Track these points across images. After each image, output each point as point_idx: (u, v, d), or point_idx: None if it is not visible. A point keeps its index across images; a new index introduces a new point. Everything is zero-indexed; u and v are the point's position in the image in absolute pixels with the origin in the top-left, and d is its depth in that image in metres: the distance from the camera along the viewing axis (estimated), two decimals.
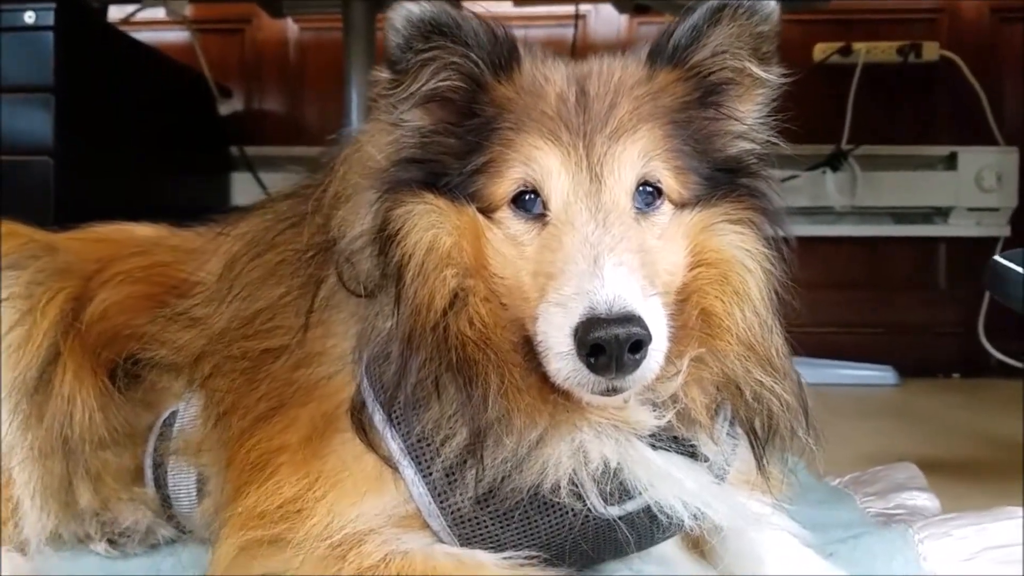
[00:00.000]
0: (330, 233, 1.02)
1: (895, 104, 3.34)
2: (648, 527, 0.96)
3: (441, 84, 0.96)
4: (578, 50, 3.27)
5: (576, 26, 3.35)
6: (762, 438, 0.95)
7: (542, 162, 0.92)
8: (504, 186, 0.93)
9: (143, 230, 1.36)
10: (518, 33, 1.00)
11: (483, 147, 0.94)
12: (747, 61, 1.01)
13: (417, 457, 0.93)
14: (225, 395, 1.05)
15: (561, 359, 0.83)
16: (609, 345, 0.80)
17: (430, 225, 0.94)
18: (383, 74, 0.96)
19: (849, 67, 3.30)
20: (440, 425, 0.90)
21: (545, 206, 0.93)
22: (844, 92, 3.28)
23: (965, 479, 1.86)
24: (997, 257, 1.50)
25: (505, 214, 0.94)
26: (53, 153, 2.30)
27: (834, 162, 3.21)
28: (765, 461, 0.96)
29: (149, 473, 1.16)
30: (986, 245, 3.29)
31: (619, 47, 1.07)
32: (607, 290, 0.82)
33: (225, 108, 3.38)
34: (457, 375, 0.89)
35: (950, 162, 3.29)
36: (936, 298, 3.37)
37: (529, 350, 0.89)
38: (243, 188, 3.32)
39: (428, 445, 0.92)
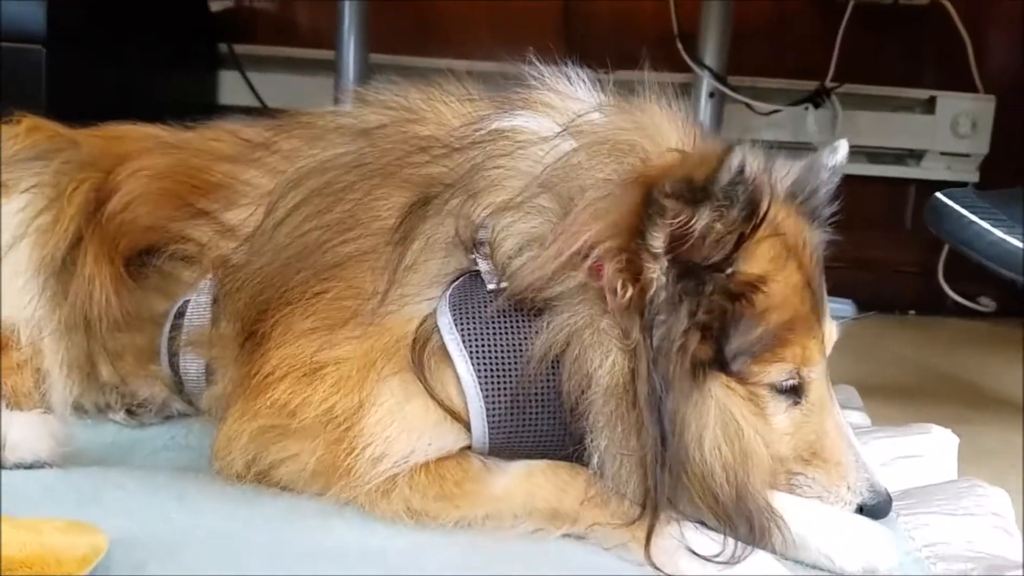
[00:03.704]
0: (471, 225, 1.03)
1: (881, 45, 3.40)
2: None
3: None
4: None
5: None
6: None
7: (811, 360, 1.02)
8: (773, 375, 1.00)
9: (159, 131, 1.43)
10: None
11: (749, 326, 0.98)
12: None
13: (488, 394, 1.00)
14: (253, 311, 1.10)
15: None
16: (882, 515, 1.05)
17: (728, 421, 0.98)
18: (671, 201, 0.92)
19: (841, 4, 3.34)
20: None
21: (800, 392, 1.04)
22: (834, 28, 3.33)
23: (900, 403, 2.03)
24: (938, 194, 1.60)
25: (763, 392, 1.01)
26: (45, 42, 2.31)
27: (817, 99, 3.28)
28: None
29: (164, 356, 1.27)
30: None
31: None
32: (876, 479, 1.05)
33: (217, 4, 3.35)
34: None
35: (928, 106, 3.37)
36: (901, 238, 3.51)
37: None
38: (231, 88, 3.33)
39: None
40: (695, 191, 0.91)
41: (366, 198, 1.10)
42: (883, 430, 1.39)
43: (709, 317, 0.97)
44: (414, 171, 1.11)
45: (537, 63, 1.15)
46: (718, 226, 0.94)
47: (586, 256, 0.98)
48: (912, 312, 3.50)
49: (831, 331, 1.08)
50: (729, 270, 0.97)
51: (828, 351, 1.09)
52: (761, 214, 0.95)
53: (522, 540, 0.98)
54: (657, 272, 0.96)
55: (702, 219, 0.93)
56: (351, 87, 3.04)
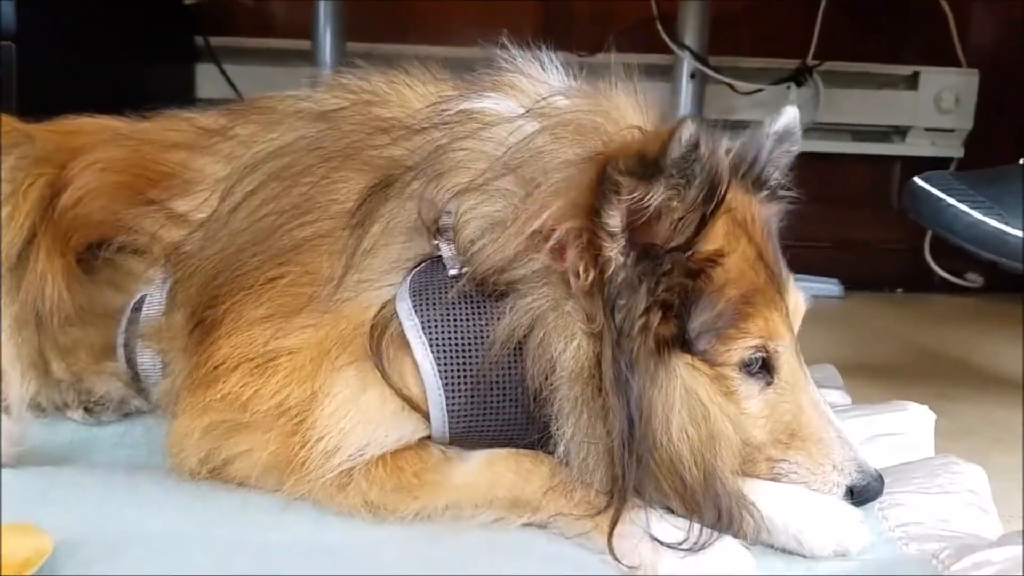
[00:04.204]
0: (434, 208, 1.00)
1: (863, 21, 3.37)
2: None
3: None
4: None
5: None
6: None
7: (776, 333, 1.00)
8: (739, 352, 0.98)
9: (116, 122, 1.40)
10: None
11: (709, 302, 0.96)
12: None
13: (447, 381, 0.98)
14: (205, 297, 1.07)
15: None
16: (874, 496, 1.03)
17: (695, 403, 0.95)
18: (625, 177, 0.90)
19: None
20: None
21: (771, 371, 1.01)
22: (814, 5, 3.29)
23: (883, 381, 2.01)
24: (916, 178, 1.58)
25: (733, 374, 0.98)
26: (15, 38, 2.28)
27: (799, 77, 3.25)
28: None
29: (121, 351, 1.24)
30: (940, 165, 3.38)
31: None
32: (861, 456, 1.03)
33: None
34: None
35: (911, 82, 3.34)
36: (887, 215, 3.48)
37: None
38: (208, 80, 3.30)
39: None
40: (647, 165, 0.89)
41: (324, 181, 1.08)
42: (859, 408, 1.37)
43: (669, 295, 0.95)
44: (375, 153, 1.08)
45: (510, 47, 1.13)
46: (675, 204, 0.92)
47: (547, 237, 0.95)
48: (899, 290, 3.49)
49: (797, 303, 1.06)
50: (689, 250, 0.96)
51: (796, 325, 1.06)
52: (720, 196, 0.93)
53: (483, 531, 0.96)
54: (615, 251, 0.93)
55: (657, 195, 0.91)
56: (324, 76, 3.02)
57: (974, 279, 3.36)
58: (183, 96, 3.28)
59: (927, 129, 3.37)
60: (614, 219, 0.92)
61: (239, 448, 1.01)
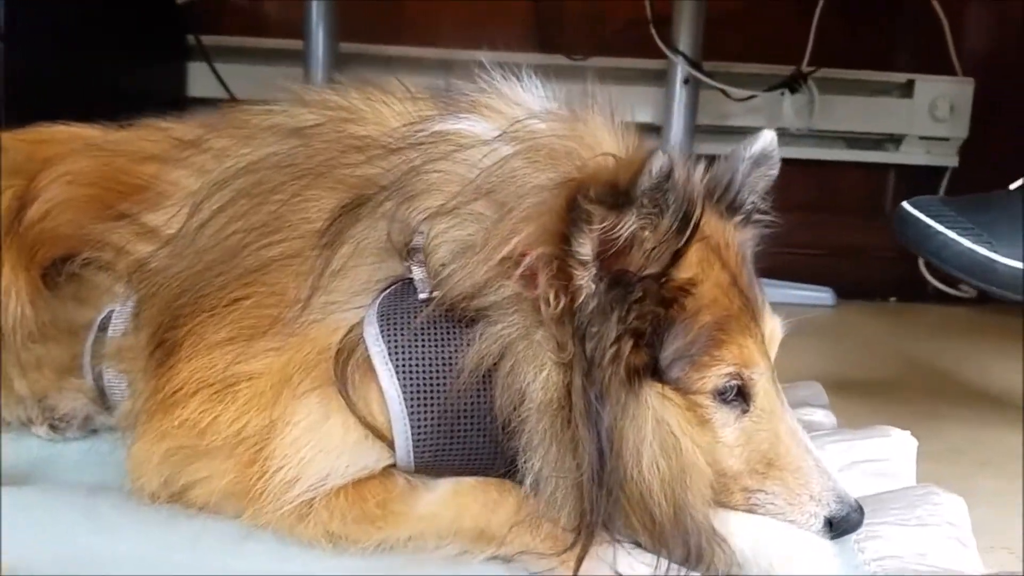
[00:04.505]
0: (406, 230, 0.99)
1: (858, 28, 3.34)
2: None
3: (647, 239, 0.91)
4: None
5: None
6: None
7: (751, 360, 0.98)
8: (713, 380, 0.95)
9: (90, 131, 1.38)
10: None
11: (682, 330, 0.94)
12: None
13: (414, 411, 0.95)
14: (167, 317, 1.05)
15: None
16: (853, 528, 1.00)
17: (666, 435, 0.93)
18: (596, 206, 0.88)
19: None
20: None
21: (746, 398, 0.99)
22: (810, 12, 3.27)
23: (871, 396, 1.99)
24: (904, 204, 1.56)
25: (708, 402, 0.96)
26: (3, 37, 2.25)
27: (793, 84, 3.23)
28: None
29: (88, 368, 1.22)
30: (935, 174, 3.37)
31: None
32: (840, 486, 1.00)
33: None
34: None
35: (906, 90, 3.32)
36: (881, 224, 3.45)
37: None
38: (200, 79, 3.27)
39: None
40: (618, 195, 0.87)
41: (295, 199, 1.05)
42: (840, 433, 1.35)
43: (641, 323, 0.93)
44: (348, 172, 1.06)
45: (490, 66, 1.11)
46: (647, 234, 0.90)
47: (517, 263, 0.93)
48: (893, 299, 3.47)
49: (773, 330, 1.04)
50: (662, 279, 0.94)
51: (773, 352, 1.04)
52: (693, 226, 0.91)
53: (446, 563, 0.94)
54: (586, 279, 0.91)
55: (628, 225, 0.89)
56: (320, 77, 3.00)
57: (967, 289, 3.33)
58: (175, 95, 3.27)
59: (922, 137, 3.35)
60: (585, 247, 0.90)
61: (198, 475, 0.98)
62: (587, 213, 0.88)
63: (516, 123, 1.02)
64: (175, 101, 3.31)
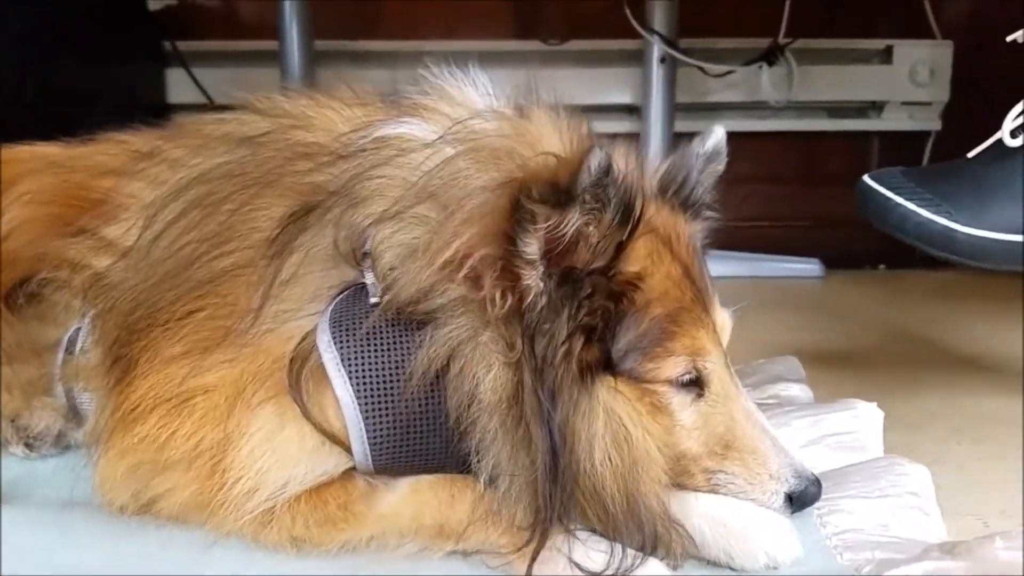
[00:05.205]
0: (353, 236, 0.99)
1: None
2: None
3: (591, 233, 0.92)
4: None
5: None
6: None
7: (703, 351, 0.99)
8: (667, 370, 0.97)
9: (51, 149, 1.38)
10: None
11: (634, 322, 0.96)
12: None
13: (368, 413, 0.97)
14: (123, 332, 1.06)
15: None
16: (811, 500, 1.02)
17: (618, 427, 0.94)
18: (539, 206, 0.88)
19: None
20: None
21: (701, 385, 1.01)
22: None
23: (850, 368, 2.00)
24: (865, 177, 1.55)
25: (663, 388, 0.98)
26: None
27: (770, 56, 3.22)
28: None
29: (59, 385, 1.23)
30: (918, 139, 3.36)
31: None
32: (798, 462, 1.02)
33: (155, 3, 3.29)
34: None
35: (885, 56, 3.31)
36: None
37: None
38: (178, 85, 3.29)
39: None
40: (559, 194, 0.88)
41: (245, 208, 1.06)
42: (806, 408, 1.36)
43: (592, 319, 0.94)
44: (297, 179, 1.06)
45: (437, 68, 1.11)
46: (592, 230, 0.91)
47: (460, 265, 0.94)
48: (882, 267, 3.47)
49: (724, 321, 1.05)
50: (610, 273, 0.95)
51: (725, 341, 1.05)
52: (635, 218, 0.92)
53: (408, 561, 0.96)
54: (534, 278, 0.92)
55: (572, 222, 0.90)
56: (297, 76, 3.00)
57: None
58: (155, 102, 3.28)
59: (903, 103, 3.35)
60: (531, 247, 0.91)
61: (162, 488, 1.00)
62: (531, 213, 0.89)
63: (457, 124, 1.02)
64: (155, 108, 3.32)
